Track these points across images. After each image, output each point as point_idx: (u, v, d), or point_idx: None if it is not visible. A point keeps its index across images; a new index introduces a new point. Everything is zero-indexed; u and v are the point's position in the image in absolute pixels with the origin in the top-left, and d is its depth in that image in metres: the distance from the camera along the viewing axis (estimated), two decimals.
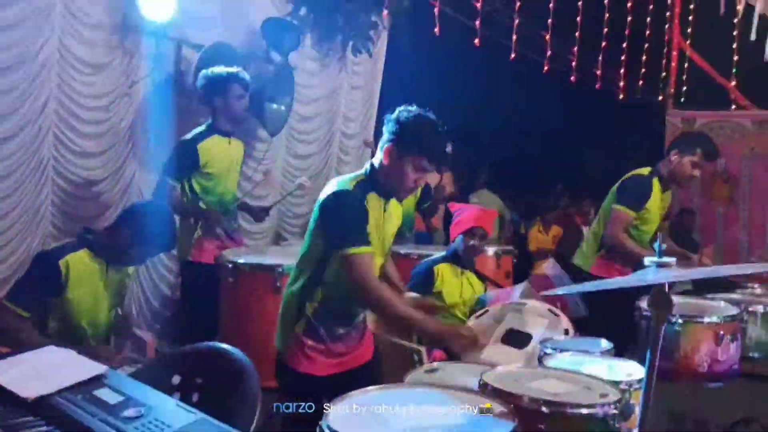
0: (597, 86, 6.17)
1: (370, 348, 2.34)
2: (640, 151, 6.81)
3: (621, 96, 6.39)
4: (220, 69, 3.38)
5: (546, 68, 5.40)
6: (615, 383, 1.72)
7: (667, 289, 1.38)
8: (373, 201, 2.09)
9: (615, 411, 1.50)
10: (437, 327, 2.13)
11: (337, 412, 1.39)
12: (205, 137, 3.36)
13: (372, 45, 5.04)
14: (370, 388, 1.54)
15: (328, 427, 1.29)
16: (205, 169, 3.35)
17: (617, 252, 3.42)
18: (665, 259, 1.38)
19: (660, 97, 6.68)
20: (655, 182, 3.46)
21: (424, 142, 2.02)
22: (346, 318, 2.18)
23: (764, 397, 3.43)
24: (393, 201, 2.20)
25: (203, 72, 3.42)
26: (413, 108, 2.10)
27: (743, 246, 6.11)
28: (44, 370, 1.76)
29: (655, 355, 1.30)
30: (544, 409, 1.47)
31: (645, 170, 3.51)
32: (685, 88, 6.66)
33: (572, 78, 5.78)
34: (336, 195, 2.06)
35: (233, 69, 3.40)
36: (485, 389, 1.56)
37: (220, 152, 3.40)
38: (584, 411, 1.49)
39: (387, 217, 2.17)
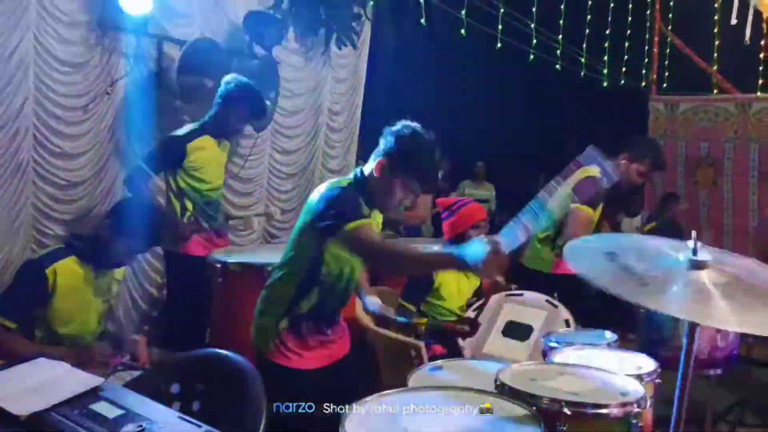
0: (582, 74, 6.16)
1: (348, 340, 2.34)
2: (625, 139, 6.81)
3: (605, 83, 6.38)
4: (249, 85, 3.33)
5: (531, 57, 5.37)
6: (631, 378, 1.69)
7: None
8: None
9: (637, 410, 1.46)
10: (447, 256, 1.94)
11: (353, 422, 1.34)
12: (196, 136, 3.30)
13: (356, 37, 4.95)
14: (385, 392, 1.49)
15: None
16: (193, 168, 3.29)
17: None
18: (701, 257, 1.23)
19: (643, 83, 6.69)
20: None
21: (418, 164, 2.00)
22: (334, 315, 2.21)
23: (761, 381, 3.46)
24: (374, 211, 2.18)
25: (233, 76, 3.34)
26: (414, 125, 2.05)
27: (728, 229, 6.16)
28: (36, 385, 1.69)
29: (689, 362, 1.24)
30: (566, 410, 1.43)
31: (595, 171, 3.44)
32: (667, 74, 6.68)
33: (558, 66, 5.76)
34: (331, 189, 2.05)
35: (260, 96, 3.38)
36: (502, 389, 1.52)
37: (210, 153, 3.36)
38: (606, 411, 1.45)
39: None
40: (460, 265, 1.77)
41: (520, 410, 1.38)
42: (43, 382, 1.71)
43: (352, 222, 1.94)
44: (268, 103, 4.10)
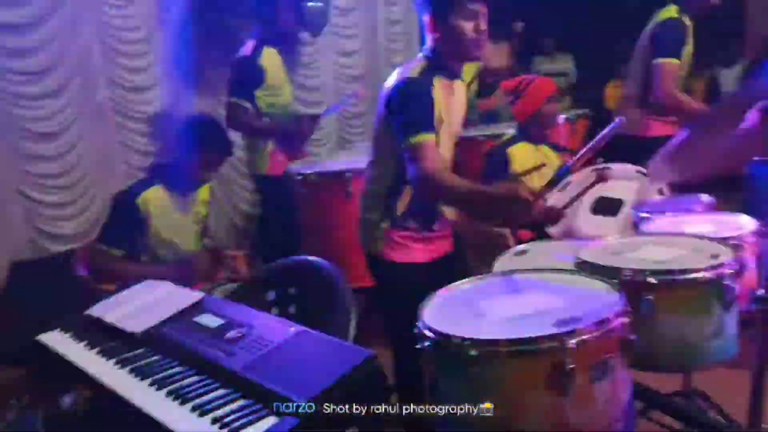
0: None
1: (452, 236, 2.29)
2: None
3: None
4: None
5: None
6: (725, 240, 1.59)
7: None
8: (439, 85, 1.98)
9: (730, 271, 1.38)
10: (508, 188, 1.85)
11: (431, 309, 1.35)
12: (261, 51, 3.22)
13: None
14: (460, 282, 1.49)
15: (428, 328, 1.25)
16: (268, 82, 3.24)
17: (667, 111, 3.06)
18: None
19: None
20: (688, 23, 3.02)
21: None
22: (434, 211, 2.13)
23: None
24: (457, 83, 2.10)
25: None
26: None
27: None
28: (146, 304, 1.84)
29: None
30: (650, 279, 1.37)
31: (672, 10, 3.04)
32: None
33: None
34: (400, 84, 1.96)
35: None
36: (583, 267, 1.47)
37: (275, 63, 3.30)
38: (695, 276, 1.37)
39: (455, 101, 2.08)
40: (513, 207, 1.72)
41: (600, 284, 1.34)
42: (152, 301, 1.87)
43: (420, 134, 1.86)
44: (320, 3, 3.97)
